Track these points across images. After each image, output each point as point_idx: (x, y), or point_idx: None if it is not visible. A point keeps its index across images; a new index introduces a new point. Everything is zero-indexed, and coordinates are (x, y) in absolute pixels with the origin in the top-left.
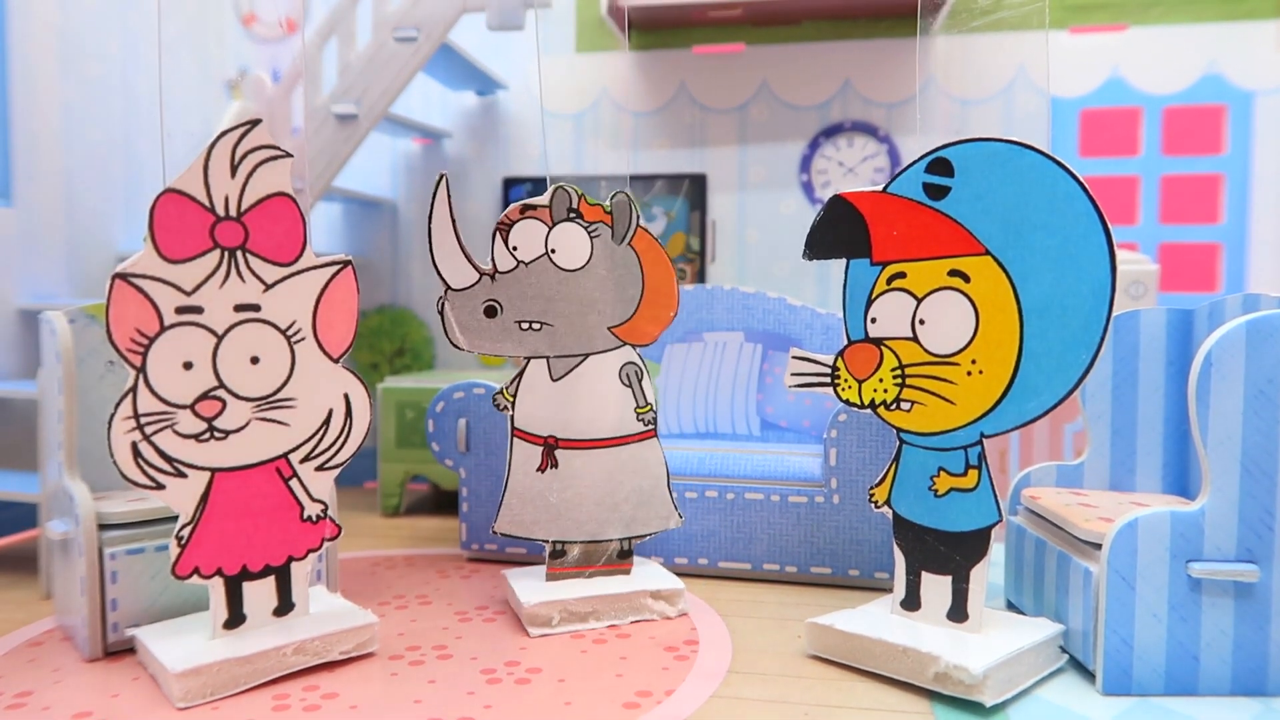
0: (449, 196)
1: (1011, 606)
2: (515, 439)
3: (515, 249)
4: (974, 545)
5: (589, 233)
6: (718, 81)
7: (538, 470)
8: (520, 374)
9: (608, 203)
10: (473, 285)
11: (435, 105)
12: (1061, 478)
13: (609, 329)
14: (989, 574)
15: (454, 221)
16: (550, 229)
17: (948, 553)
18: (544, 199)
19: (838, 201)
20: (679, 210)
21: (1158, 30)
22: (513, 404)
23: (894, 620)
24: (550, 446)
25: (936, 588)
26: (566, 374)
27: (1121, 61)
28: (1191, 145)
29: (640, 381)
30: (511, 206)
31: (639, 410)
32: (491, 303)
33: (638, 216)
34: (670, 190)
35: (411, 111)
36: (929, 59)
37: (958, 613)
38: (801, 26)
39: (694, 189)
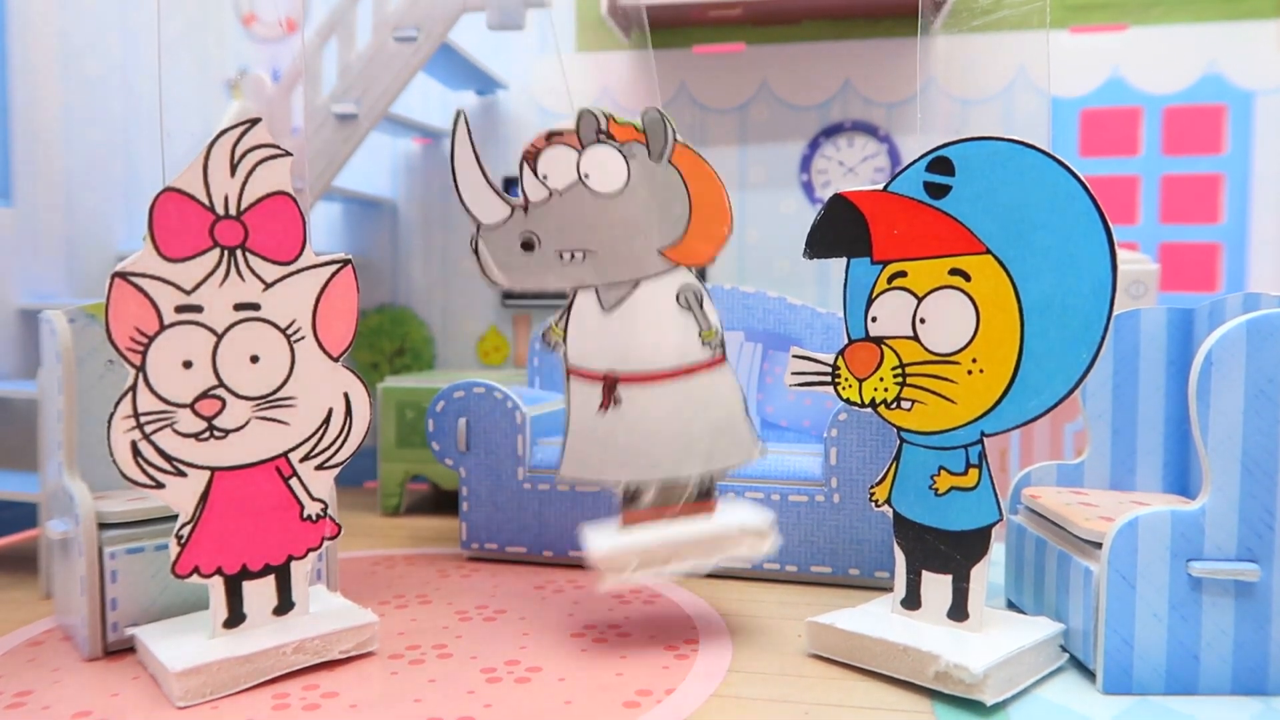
0: (469, 132)
1: (1012, 605)
2: (571, 378)
3: (546, 178)
4: (974, 544)
5: (623, 154)
6: (718, 81)
7: (600, 409)
8: (568, 307)
9: (640, 121)
10: (505, 220)
11: (435, 105)
12: (1062, 477)
13: (659, 251)
14: (989, 573)
15: (477, 157)
16: (580, 154)
17: (948, 552)
18: (570, 123)
19: (838, 200)
20: None
21: (1158, 30)
22: (564, 340)
23: (894, 619)
24: (611, 383)
25: (937, 587)
26: (619, 303)
27: (1122, 61)
28: (1192, 145)
29: (701, 304)
30: (537, 135)
31: (704, 335)
32: (528, 235)
33: (674, 131)
34: None
35: (411, 111)
36: (929, 59)
37: (958, 612)
38: (801, 26)
39: None
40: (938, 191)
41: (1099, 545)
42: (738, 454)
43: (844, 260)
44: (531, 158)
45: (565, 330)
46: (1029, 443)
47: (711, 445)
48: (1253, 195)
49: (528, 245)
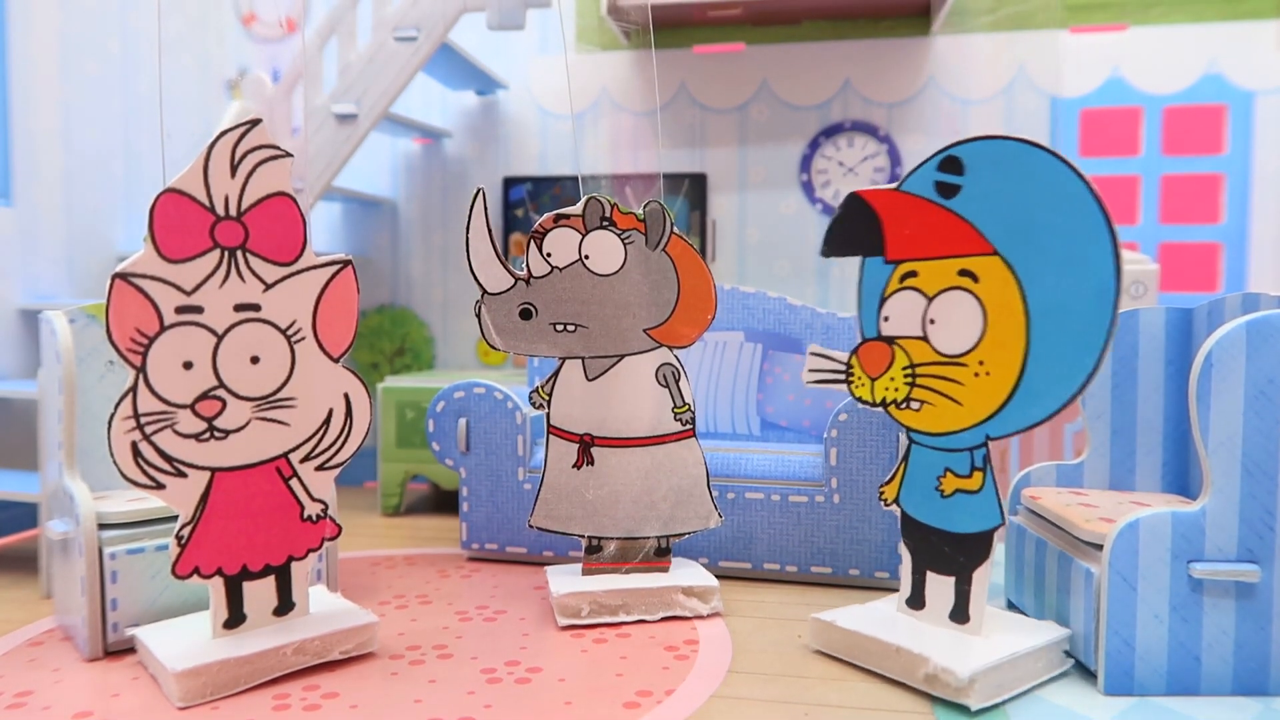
0: (485, 209)
1: (1012, 606)
2: (551, 436)
3: (549, 255)
4: (977, 547)
5: (622, 240)
6: (718, 81)
7: (574, 467)
8: (555, 373)
9: (641, 211)
10: (508, 290)
11: (435, 105)
12: (1062, 477)
13: (645, 331)
14: (990, 574)
15: (489, 231)
16: (583, 236)
17: (952, 553)
18: (577, 208)
19: (854, 199)
20: (679, 210)
21: (1158, 30)
22: (548, 402)
23: (895, 619)
24: (586, 444)
25: (941, 588)
26: (602, 374)
27: (1122, 61)
28: (1192, 145)
29: (678, 382)
30: (545, 216)
31: (677, 410)
32: (527, 305)
33: (671, 223)
34: (670, 190)
35: (411, 111)
36: (930, 59)
37: (959, 614)
38: (801, 26)
39: (694, 189)
40: (948, 191)
41: (1100, 547)
42: (696, 521)
43: (842, 262)
44: (539, 236)
45: (550, 393)
46: (1029, 443)
47: (672, 510)
48: (1253, 195)
49: (525, 314)
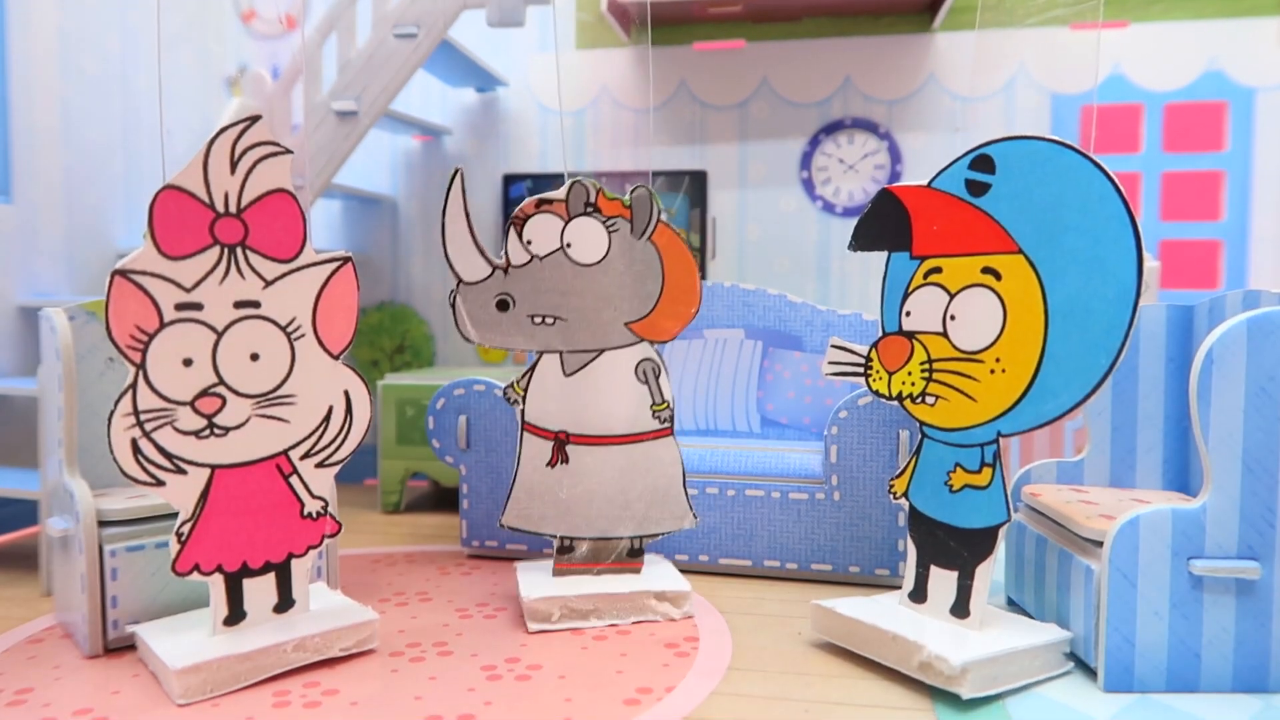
0: (464, 191)
1: (1012, 604)
2: (525, 433)
3: (529, 243)
4: (982, 543)
5: (607, 227)
6: (718, 78)
7: (548, 465)
8: (532, 368)
9: (627, 197)
10: (485, 279)
11: (435, 102)
12: (1062, 474)
13: (626, 325)
14: (992, 570)
15: (468, 216)
16: (566, 223)
17: (957, 548)
18: (560, 193)
19: (885, 195)
20: (679, 207)
21: (1159, 27)
22: (523, 398)
23: (896, 610)
24: (561, 442)
25: (944, 582)
26: (580, 369)
27: (1123, 58)
28: (1192, 142)
29: (658, 379)
30: (527, 201)
31: (655, 408)
32: (504, 296)
33: (659, 211)
34: (670, 187)
35: (411, 108)
36: (930, 56)
37: (960, 609)
38: (802, 23)
39: (694, 186)
40: (978, 189)
41: (1100, 544)
42: (670, 522)
43: (842, 259)
44: (519, 222)
45: (525, 389)
46: (1029, 440)
47: (647, 510)
48: (1253, 192)
49: (502, 305)
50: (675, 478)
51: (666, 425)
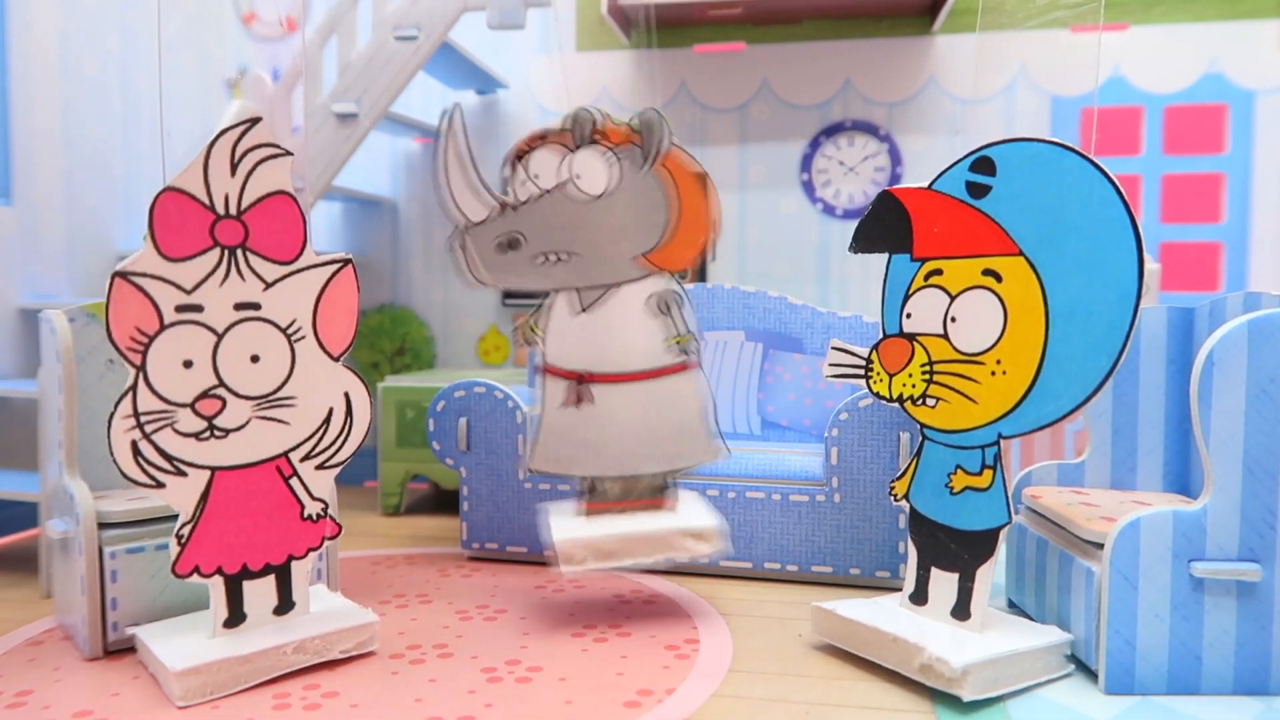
0: (464, 127)
1: (1013, 605)
2: (546, 375)
3: (536, 177)
4: (983, 545)
5: (616, 156)
6: (718, 80)
7: (563, 405)
8: (547, 307)
9: (635, 121)
10: (489, 218)
11: (435, 104)
12: (1063, 476)
13: (641, 255)
14: (993, 572)
15: (470, 152)
16: (571, 154)
17: (958, 550)
18: (563, 124)
19: (886, 197)
20: None
21: (1159, 29)
22: (542, 339)
23: (896, 612)
24: (582, 381)
25: (945, 585)
26: (595, 305)
27: (1123, 60)
28: (1193, 144)
29: (678, 309)
30: (529, 134)
31: (677, 339)
32: (514, 235)
33: (668, 135)
34: None
35: (412, 110)
36: (930, 58)
37: (961, 611)
38: (802, 26)
39: None
40: (979, 191)
41: (1101, 546)
42: (698, 455)
43: (843, 262)
44: (523, 155)
45: (543, 329)
46: (1029, 442)
47: (673, 446)
48: (1254, 195)
49: (513, 245)
50: (701, 411)
51: (692, 358)
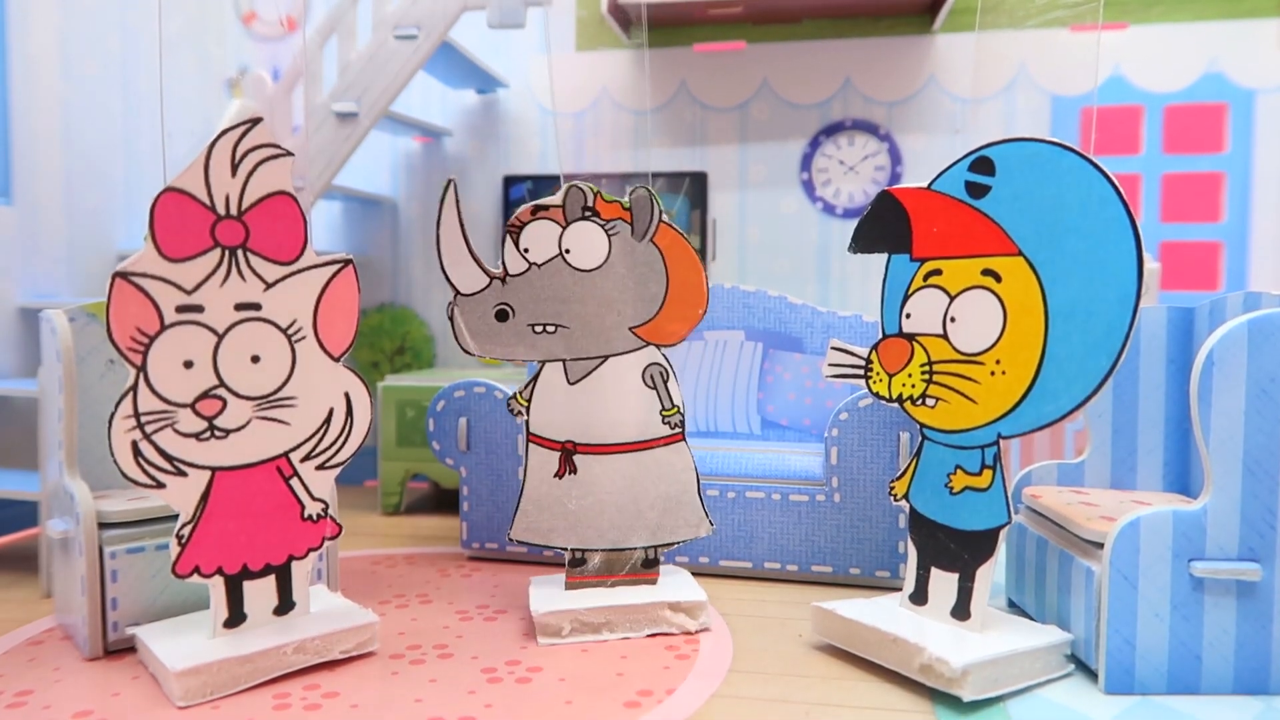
0: (457, 201)
1: (1013, 605)
2: (531, 444)
3: (526, 251)
4: (983, 545)
5: (606, 231)
6: (718, 80)
7: (555, 476)
8: (535, 378)
9: (627, 199)
10: (483, 290)
11: (435, 103)
12: (1063, 476)
13: (630, 329)
14: (993, 572)
15: (463, 226)
16: (564, 229)
17: (957, 550)
18: (557, 199)
19: (885, 197)
20: (679, 208)
21: (1159, 28)
22: (527, 409)
23: (896, 612)
24: (568, 452)
25: (945, 585)
26: (584, 377)
27: (1123, 60)
28: (1193, 143)
29: (666, 383)
30: (523, 208)
31: (665, 413)
32: (503, 306)
33: (659, 212)
34: (671, 188)
35: (412, 110)
36: (931, 57)
37: (961, 611)
38: (802, 25)
39: (694, 187)
40: (978, 191)
41: (1101, 545)
42: (685, 530)
43: (843, 261)
44: (515, 230)
45: (529, 399)
46: (1029, 441)
47: (660, 519)
48: (1254, 194)
49: (501, 316)
50: (688, 484)
51: (678, 430)
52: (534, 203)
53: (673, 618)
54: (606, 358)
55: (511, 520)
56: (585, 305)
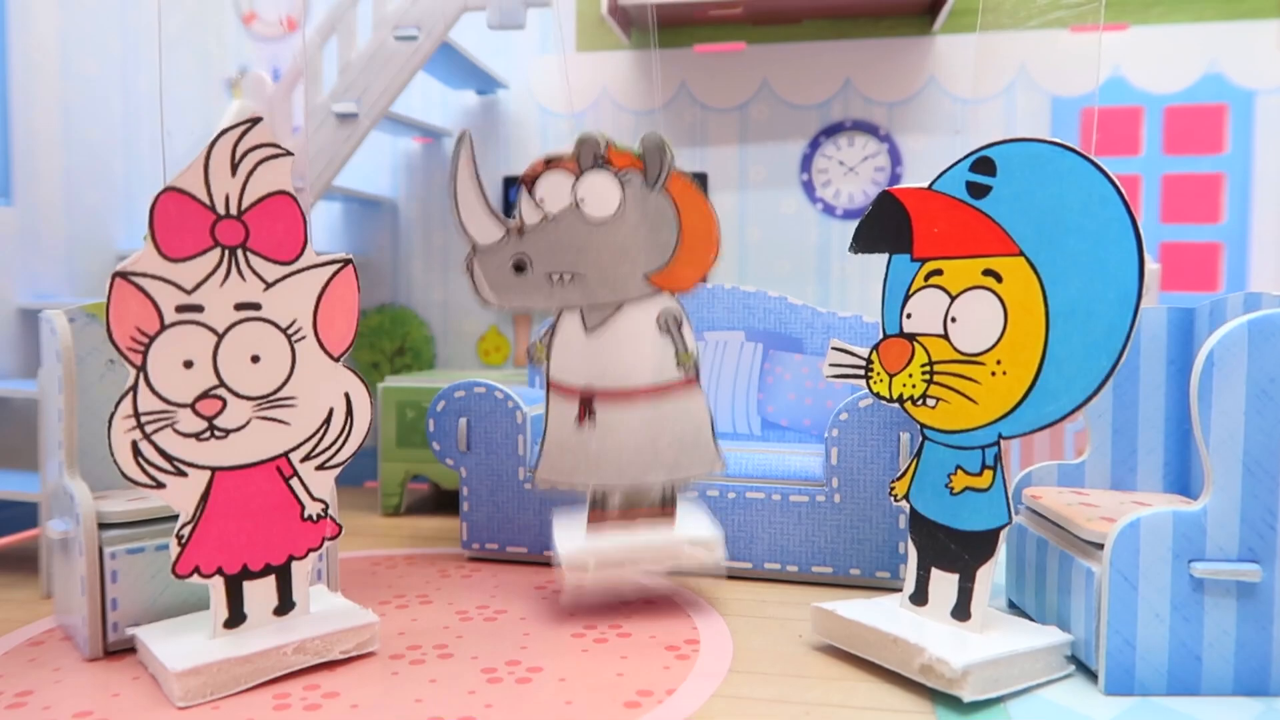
0: (473, 153)
1: (1013, 606)
2: (551, 391)
3: (542, 201)
4: (983, 545)
5: (619, 180)
6: (718, 80)
7: (576, 422)
8: (553, 327)
9: (638, 147)
10: (499, 241)
11: (435, 104)
12: (1063, 477)
13: (644, 276)
14: (993, 573)
15: (478, 178)
16: (577, 179)
17: (958, 551)
18: (569, 149)
19: (886, 197)
20: None
21: (1159, 29)
22: (547, 356)
23: (896, 612)
24: (588, 398)
25: (945, 585)
26: (601, 324)
27: (1123, 60)
28: (1193, 144)
29: (679, 329)
30: (536, 160)
31: (680, 358)
32: (520, 257)
33: (671, 159)
34: None
35: (412, 110)
36: (931, 58)
37: (961, 611)
38: (802, 25)
39: None
40: (979, 191)
41: (1101, 546)
42: (700, 467)
43: (843, 262)
44: (530, 181)
45: (549, 347)
46: (1029, 442)
47: (676, 457)
48: (1254, 195)
49: (519, 267)
50: (703, 425)
51: (693, 374)
52: (547, 154)
53: (692, 552)
54: (622, 305)
55: (536, 462)
56: (600, 253)
